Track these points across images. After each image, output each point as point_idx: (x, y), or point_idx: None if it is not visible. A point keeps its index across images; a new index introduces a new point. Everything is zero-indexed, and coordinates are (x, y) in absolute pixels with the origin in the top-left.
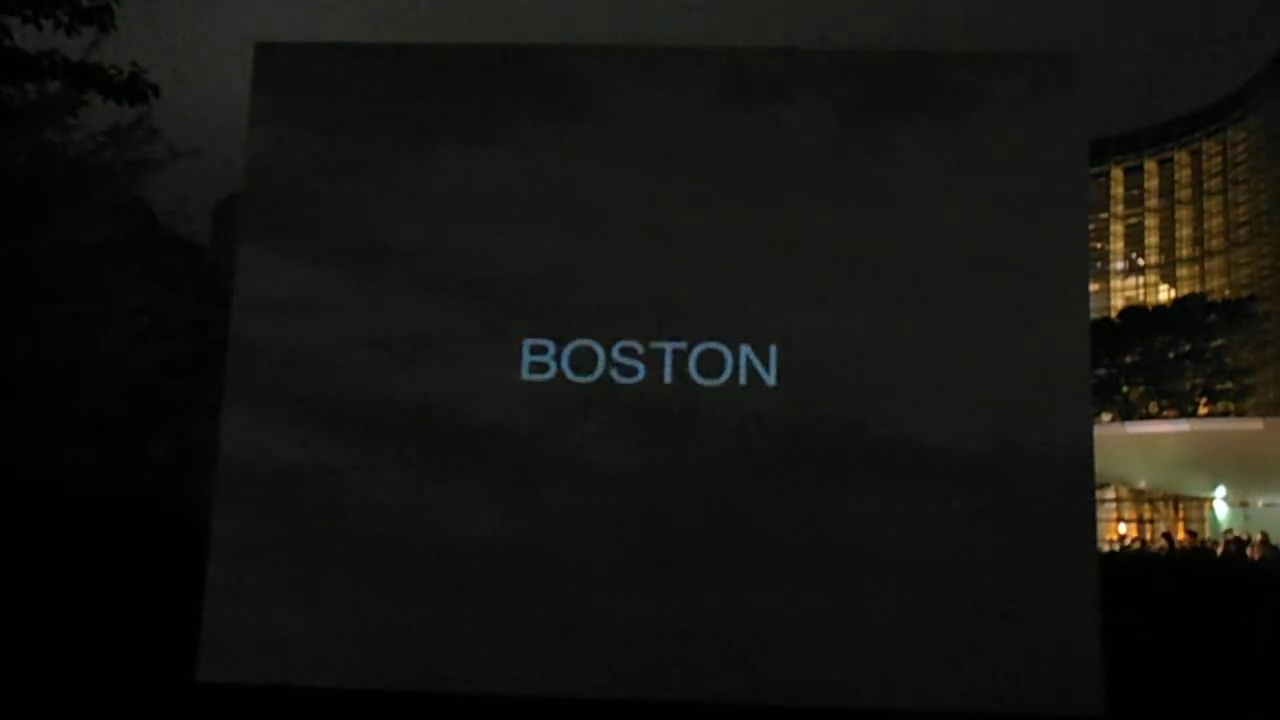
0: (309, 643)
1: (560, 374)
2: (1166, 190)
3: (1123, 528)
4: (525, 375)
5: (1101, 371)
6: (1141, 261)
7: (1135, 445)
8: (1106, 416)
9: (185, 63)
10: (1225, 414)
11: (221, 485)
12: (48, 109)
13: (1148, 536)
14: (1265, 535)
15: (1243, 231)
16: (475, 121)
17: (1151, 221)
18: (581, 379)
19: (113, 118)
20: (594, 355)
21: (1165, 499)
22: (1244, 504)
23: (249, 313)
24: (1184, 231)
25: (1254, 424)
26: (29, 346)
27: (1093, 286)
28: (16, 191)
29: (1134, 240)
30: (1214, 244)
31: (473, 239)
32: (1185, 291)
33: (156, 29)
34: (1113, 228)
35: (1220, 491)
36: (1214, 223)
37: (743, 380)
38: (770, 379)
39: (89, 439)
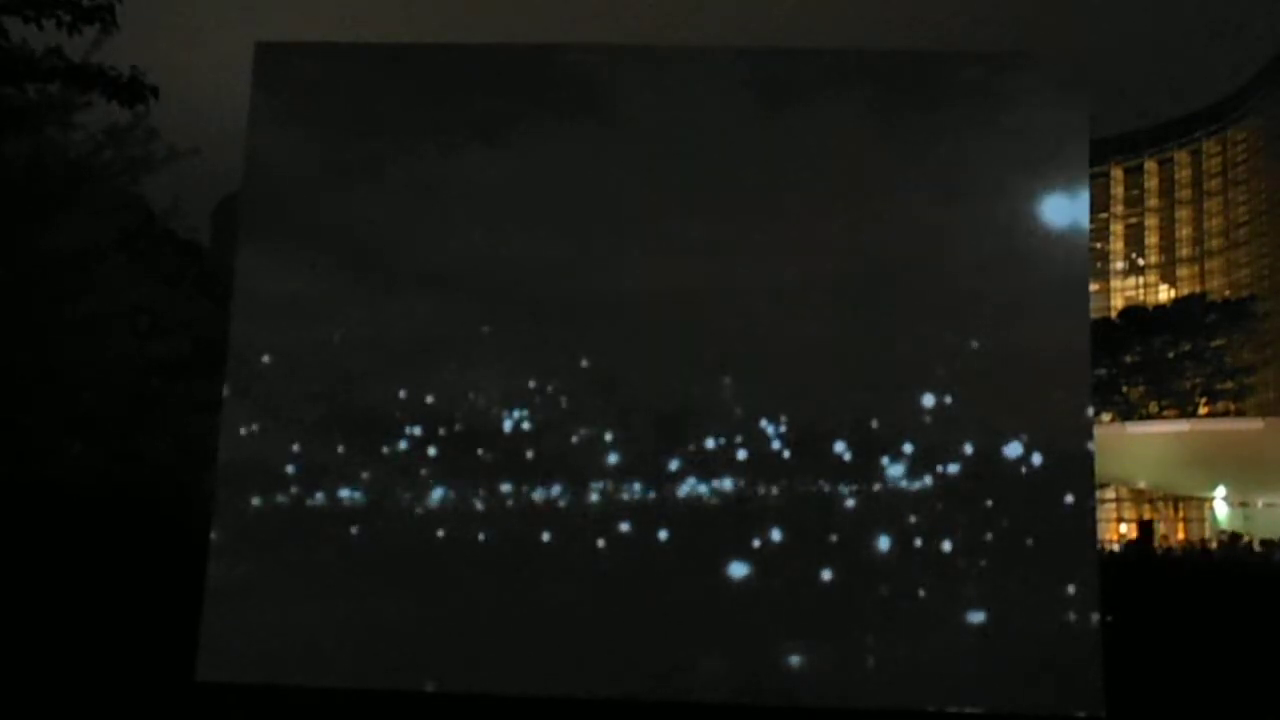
0: (307, 643)
1: (562, 373)
2: (1166, 190)
3: (1123, 528)
4: (526, 375)
5: (1101, 371)
6: (1141, 261)
7: (1135, 445)
8: (1106, 416)
9: (185, 63)
10: (1225, 414)
11: (221, 486)
12: (48, 108)
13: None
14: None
15: (1243, 231)
16: (478, 121)
17: (1151, 221)
18: (583, 379)
19: (112, 117)
20: (596, 355)
21: (1165, 499)
22: (1244, 504)
23: (249, 313)
24: (1184, 231)
25: (1254, 424)
26: (28, 344)
27: (1093, 286)
28: (17, 191)
29: (1134, 240)
30: (1214, 244)
31: (474, 239)
32: (1185, 291)
33: (157, 28)
34: (1113, 228)
35: (1220, 491)
36: (1214, 223)
37: (746, 380)
38: (773, 377)
39: (88, 437)
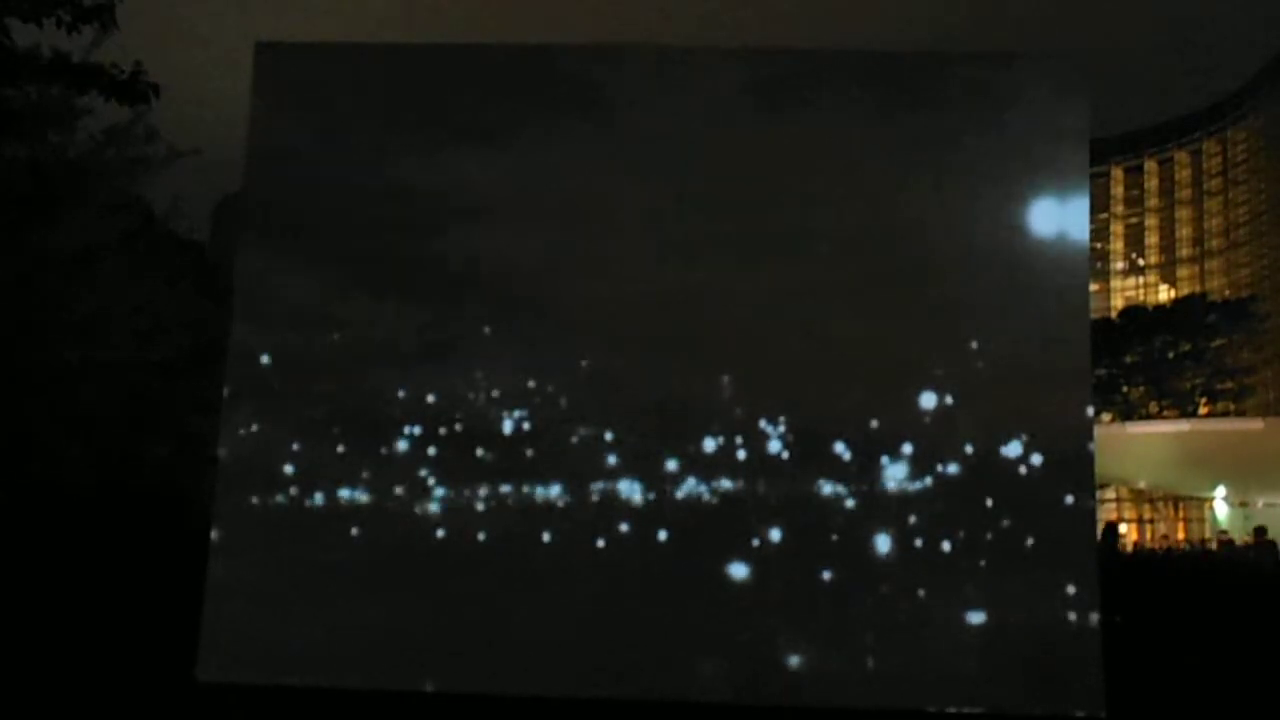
0: (307, 643)
1: (562, 373)
2: (1166, 190)
3: (1123, 528)
4: (526, 375)
5: (1101, 371)
6: (1141, 261)
7: (1135, 445)
8: (1106, 416)
9: (185, 63)
10: (1225, 414)
11: (221, 487)
12: (49, 111)
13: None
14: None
15: (1243, 231)
16: (478, 122)
17: (1151, 221)
18: (583, 379)
19: (112, 117)
20: (596, 355)
21: (1165, 499)
22: (1244, 504)
23: (249, 314)
24: (1184, 231)
25: (1254, 424)
26: (29, 345)
27: (1093, 286)
28: (17, 192)
29: (1134, 240)
30: (1214, 244)
31: (475, 241)
32: (1185, 291)
33: (157, 28)
34: (1113, 228)
35: (1220, 491)
36: (1214, 223)
37: (746, 380)
38: (773, 377)
39: (88, 437)
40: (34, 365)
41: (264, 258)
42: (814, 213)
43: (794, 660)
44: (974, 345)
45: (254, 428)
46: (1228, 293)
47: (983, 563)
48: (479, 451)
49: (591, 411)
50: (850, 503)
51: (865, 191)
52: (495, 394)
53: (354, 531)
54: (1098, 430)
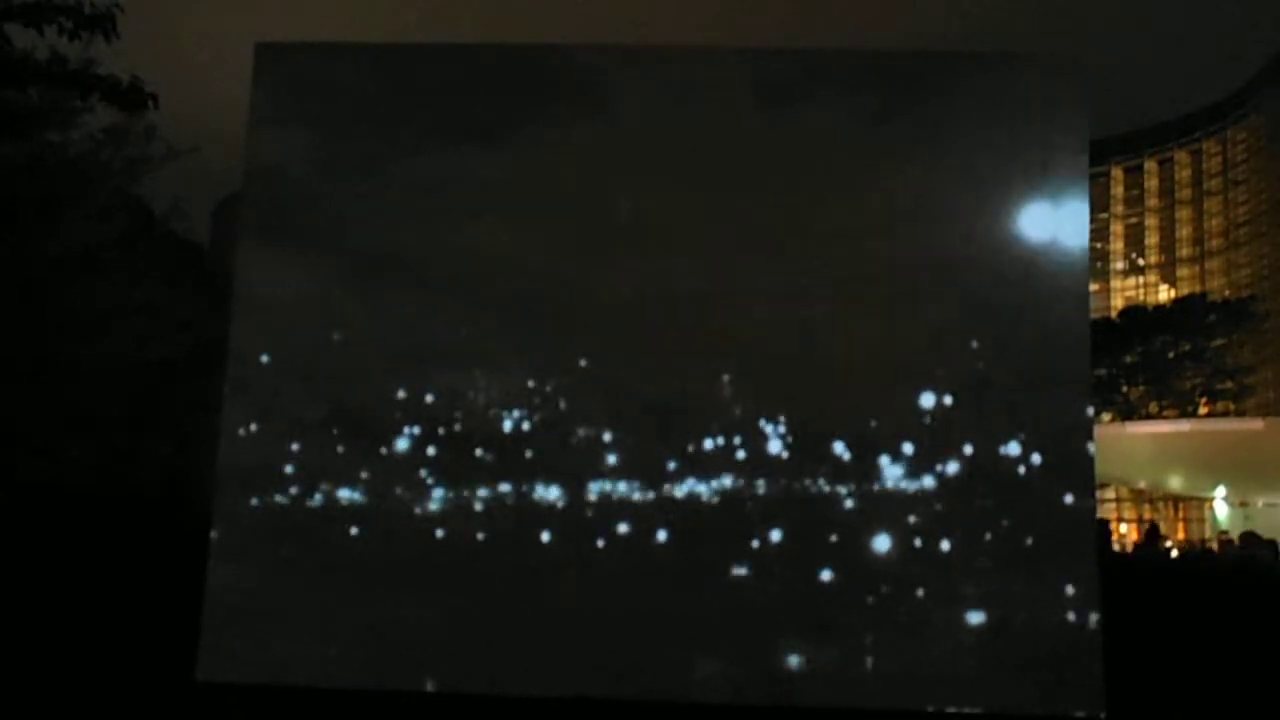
0: (307, 643)
1: (560, 373)
2: (1166, 190)
3: (1124, 528)
4: (525, 375)
5: (1101, 371)
6: (1141, 261)
7: (1135, 445)
8: (1106, 416)
9: (185, 63)
10: (1225, 414)
11: (221, 487)
12: (49, 113)
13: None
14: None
15: (1243, 231)
16: (478, 122)
17: (1151, 221)
18: (582, 379)
19: (112, 116)
20: (595, 355)
21: (1165, 499)
22: (1244, 504)
23: (248, 314)
24: (1184, 231)
25: (1254, 424)
26: (29, 345)
27: (1093, 286)
28: (17, 193)
29: (1134, 240)
30: (1214, 244)
31: (474, 241)
32: (1185, 291)
33: (157, 29)
34: (1113, 228)
35: (1220, 491)
36: (1214, 223)
37: (745, 380)
38: (772, 377)
39: (88, 437)
40: (35, 365)
41: (263, 258)
42: (813, 212)
43: (794, 660)
44: (974, 345)
45: (254, 428)
46: (1228, 293)
47: (983, 563)
48: (479, 451)
49: (591, 411)
50: (850, 503)
51: (864, 191)
52: (494, 394)
53: (354, 532)
54: (1098, 430)
